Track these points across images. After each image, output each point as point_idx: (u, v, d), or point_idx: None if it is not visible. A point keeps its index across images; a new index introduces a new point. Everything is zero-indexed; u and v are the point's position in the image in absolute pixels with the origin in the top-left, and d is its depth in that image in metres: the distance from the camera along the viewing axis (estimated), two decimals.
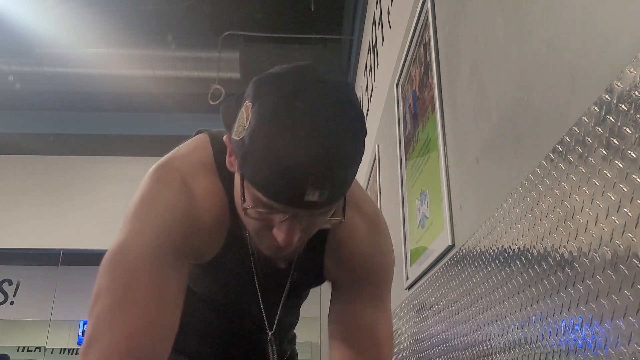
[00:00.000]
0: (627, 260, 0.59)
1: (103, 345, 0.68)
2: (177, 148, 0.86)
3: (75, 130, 5.63)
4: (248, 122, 0.65)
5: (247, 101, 0.68)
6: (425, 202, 1.63)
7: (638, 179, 0.58)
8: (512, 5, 0.98)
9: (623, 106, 0.61)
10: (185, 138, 0.88)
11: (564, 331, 0.72)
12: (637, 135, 0.59)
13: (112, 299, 0.70)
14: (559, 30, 0.79)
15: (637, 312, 0.56)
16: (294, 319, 1.14)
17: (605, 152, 0.65)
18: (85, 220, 5.45)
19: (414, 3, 1.87)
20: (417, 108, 1.77)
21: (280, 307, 0.95)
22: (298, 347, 1.19)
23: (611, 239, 0.62)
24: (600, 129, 0.66)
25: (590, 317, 0.65)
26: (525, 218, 0.88)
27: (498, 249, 1.00)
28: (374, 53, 3.11)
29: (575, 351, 0.69)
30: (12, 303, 7.40)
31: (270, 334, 0.95)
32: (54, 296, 6.86)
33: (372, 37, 3.20)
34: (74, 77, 4.67)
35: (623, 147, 0.61)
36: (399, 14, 2.23)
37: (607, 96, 0.65)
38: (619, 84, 0.62)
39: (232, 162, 0.73)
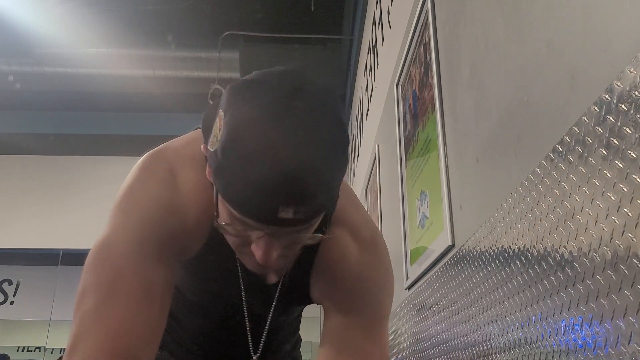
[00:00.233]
0: (627, 260, 0.59)
1: (88, 346, 0.67)
2: (171, 140, 0.84)
3: (75, 130, 5.64)
4: (220, 133, 0.62)
5: (220, 110, 0.64)
6: (425, 202, 1.63)
7: (638, 179, 0.58)
8: (512, 5, 0.98)
9: (623, 106, 0.61)
10: None
11: (564, 331, 0.72)
12: (637, 135, 0.59)
13: (96, 298, 0.69)
14: (559, 30, 0.79)
15: (637, 312, 0.56)
16: (289, 333, 1.11)
17: (605, 152, 0.65)
18: (85, 220, 5.45)
19: (414, 3, 1.87)
20: (417, 108, 1.77)
21: (267, 322, 0.91)
22: None
23: (611, 239, 0.62)
24: (600, 129, 0.66)
25: (590, 317, 0.65)
26: (525, 218, 0.88)
27: (498, 249, 1.00)
28: (374, 53, 3.11)
29: (575, 351, 0.69)
30: (12, 303, 7.40)
31: (255, 358, 0.91)
32: (53, 296, 6.87)
33: (372, 37, 3.20)
34: (74, 77, 4.68)
35: (623, 147, 0.61)
36: (399, 14, 2.23)
37: (607, 96, 0.65)
38: (619, 84, 0.62)
39: (210, 174, 0.68)
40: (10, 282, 7.50)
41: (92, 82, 4.77)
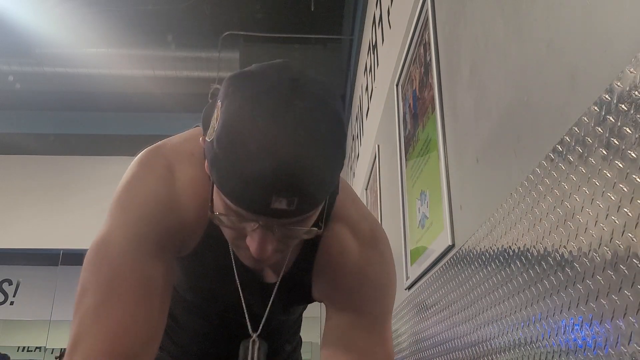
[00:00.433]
0: (627, 260, 0.59)
1: (88, 346, 0.67)
2: (170, 137, 0.84)
3: (75, 130, 5.64)
4: (217, 123, 0.62)
5: (218, 100, 0.64)
6: (425, 202, 1.63)
7: (638, 179, 0.58)
8: (512, 5, 0.98)
9: (623, 106, 0.61)
10: None
11: (564, 331, 0.72)
12: (637, 135, 0.59)
13: (96, 297, 0.69)
14: (559, 30, 0.79)
15: (637, 312, 0.56)
16: (290, 334, 1.10)
17: (605, 152, 0.65)
18: (85, 220, 5.44)
19: (414, 3, 1.87)
20: (417, 108, 1.77)
21: (263, 320, 0.89)
22: None
23: (611, 239, 0.62)
24: (600, 129, 0.66)
25: (590, 317, 0.65)
26: (525, 218, 0.88)
27: (498, 249, 1.00)
28: (374, 53, 3.11)
29: (575, 351, 0.69)
30: (12, 303, 7.40)
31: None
32: (54, 296, 6.87)
33: (372, 37, 3.20)
34: (74, 77, 4.68)
35: (623, 147, 0.61)
36: (399, 14, 2.23)
37: (607, 96, 0.65)
38: (619, 84, 0.62)
39: (207, 165, 0.68)
40: (10, 282, 7.50)
41: (92, 82, 4.77)
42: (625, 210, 0.60)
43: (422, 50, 1.73)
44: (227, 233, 0.72)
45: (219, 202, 0.66)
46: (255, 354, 0.85)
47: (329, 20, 4.41)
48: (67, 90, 5.03)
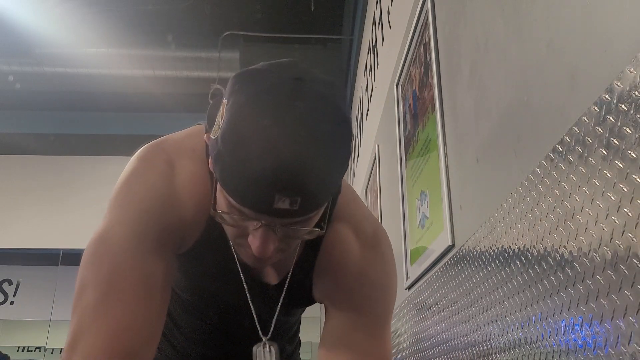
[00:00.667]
0: (627, 260, 0.59)
1: (88, 344, 0.66)
2: (171, 133, 0.84)
3: (75, 130, 5.64)
4: (222, 121, 0.62)
5: (224, 98, 0.64)
6: (425, 202, 1.63)
7: (638, 179, 0.58)
8: (512, 5, 0.98)
9: (623, 106, 0.61)
10: None
11: (564, 331, 0.72)
12: (637, 135, 0.59)
13: (95, 294, 0.68)
14: (559, 30, 0.79)
15: (637, 312, 0.56)
16: (291, 335, 1.10)
17: (605, 152, 0.65)
18: (85, 220, 5.43)
19: (414, 3, 1.87)
20: (417, 108, 1.77)
21: (273, 323, 0.89)
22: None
23: (611, 239, 0.62)
24: (600, 129, 0.66)
25: (590, 317, 0.65)
26: (525, 218, 0.88)
27: (498, 249, 1.00)
28: (374, 53, 3.11)
29: (575, 351, 0.69)
30: (12, 303, 7.40)
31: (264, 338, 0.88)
32: (54, 296, 6.87)
33: (372, 37, 3.20)
34: (74, 77, 4.68)
35: (623, 147, 0.61)
36: (399, 14, 2.23)
37: (607, 96, 0.65)
38: (619, 84, 0.62)
39: (211, 163, 0.68)
40: (10, 282, 7.50)
41: (92, 82, 4.77)
42: (625, 210, 0.60)
43: (422, 50, 1.73)
44: (229, 231, 0.72)
45: (222, 200, 0.66)
46: (274, 358, 0.86)
47: (329, 20, 4.41)
48: (67, 90, 5.03)
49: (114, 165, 5.73)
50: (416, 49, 1.82)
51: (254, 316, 0.87)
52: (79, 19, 4.20)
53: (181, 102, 5.02)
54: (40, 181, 5.94)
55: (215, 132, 0.63)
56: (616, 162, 0.62)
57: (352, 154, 4.54)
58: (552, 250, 0.77)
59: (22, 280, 7.50)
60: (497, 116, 1.05)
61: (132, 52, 4.45)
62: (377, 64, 2.93)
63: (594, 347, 0.64)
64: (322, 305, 0.90)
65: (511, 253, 0.93)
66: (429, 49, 1.59)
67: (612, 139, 0.63)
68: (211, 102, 0.76)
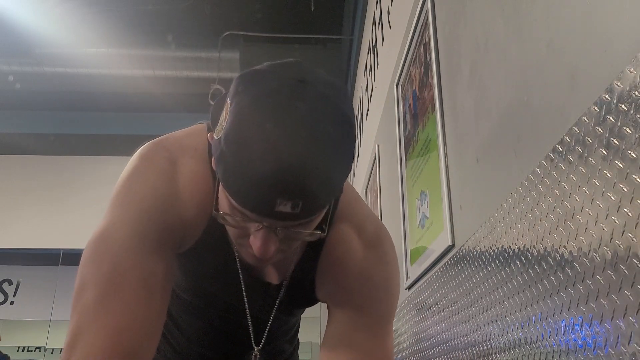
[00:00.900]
0: (627, 260, 0.59)
1: (88, 343, 0.66)
2: (173, 132, 0.84)
3: (75, 130, 5.64)
4: (225, 121, 0.62)
5: (228, 99, 0.64)
6: (425, 202, 1.63)
7: (638, 179, 0.58)
8: (512, 5, 0.98)
9: (623, 106, 0.61)
10: None
11: (564, 331, 0.72)
12: (637, 135, 0.59)
13: (96, 293, 0.68)
14: (559, 30, 0.79)
15: (637, 312, 0.56)
16: (291, 335, 1.09)
17: (605, 152, 0.65)
18: (86, 220, 5.43)
19: (414, 3, 1.87)
20: (417, 108, 1.77)
21: (268, 324, 0.89)
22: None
23: (611, 239, 0.62)
24: (600, 129, 0.66)
25: (590, 317, 0.65)
26: (525, 218, 0.88)
27: (498, 249, 1.00)
28: (374, 53, 3.11)
29: (575, 351, 0.69)
30: (12, 303, 7.40)
31: (256, 349, 0.89)
32: (54, 296, 6.86)
33: (372, 37, 3.20)
34: (74, 77, 4.68)
35: (623, 147, 0.61)
36: (399, 14, 2.23)
37: (607, 96, 0.65)
38: (619, 84, 0.62)
39: (214, 162, 0.68)
40: (10, 282, 7.50)
41: (92, 82, 4.77)
42: (625, 210, 0.60)
43: (422, 50, 1.73)
44: (231, 231, 0.72)
45: (224, 200, 0.66)
46: None
47: (329, 20, 4.41)
48: (67, 90, 5.03)
49: (114, 165, 5.73)
50: (416, 49, 1.82)
51: (249, 319, 0.87)
52: (79, 19, 4.20)
53: (181, 102, 5.02)
54: (40, 181, 5.94)
55: (219, 133, 0.63)
56: (616, 162, 0.62)
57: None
58: (552, 250, 0.77)
59: (22, 280, 7.50)
60: (497, 116, 1.05)
61: (132, 52, 4.45)
62: (377, 64, 2.93)
63: (594, 347, 0.64)
64: (323, 305, 0.90)
65: (511, 253, 0.93)
66: (429, 49, 1.59)
67: (612, 139, 0.63)
68: (211, 102, 0.76)
